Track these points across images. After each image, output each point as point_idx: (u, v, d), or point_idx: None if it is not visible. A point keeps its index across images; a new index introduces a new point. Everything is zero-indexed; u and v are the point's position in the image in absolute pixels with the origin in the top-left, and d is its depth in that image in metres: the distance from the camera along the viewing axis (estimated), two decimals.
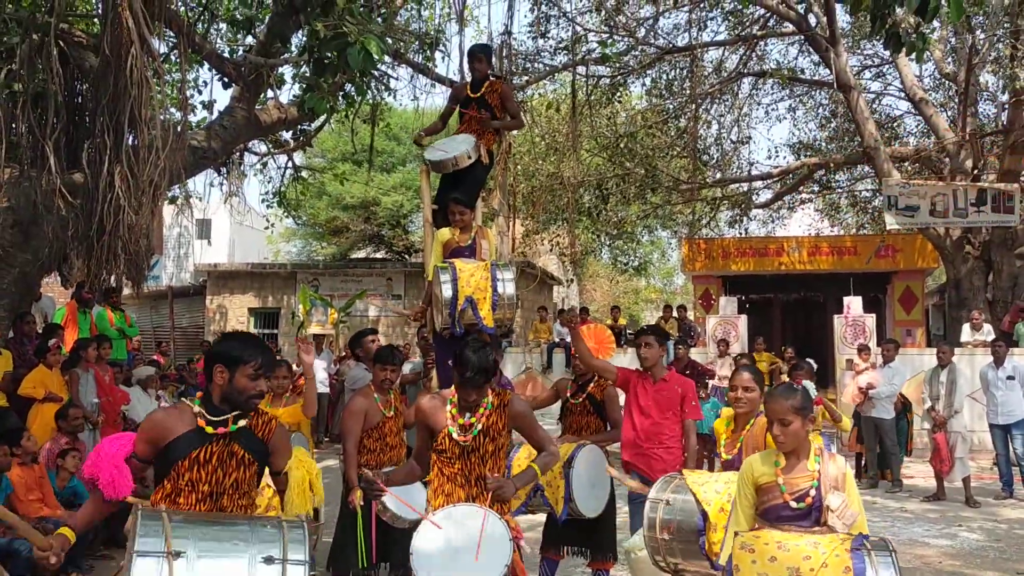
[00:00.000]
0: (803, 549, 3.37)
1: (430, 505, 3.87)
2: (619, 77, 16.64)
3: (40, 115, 7.54)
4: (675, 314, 18.02)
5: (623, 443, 5.57)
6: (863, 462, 10.75)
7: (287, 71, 11.28)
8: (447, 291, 5.41)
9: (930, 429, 9.81)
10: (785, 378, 10.20)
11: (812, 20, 15.96)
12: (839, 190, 22.22)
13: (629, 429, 5.52)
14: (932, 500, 9.52)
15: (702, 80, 17.57)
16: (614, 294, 37.81)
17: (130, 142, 7.34)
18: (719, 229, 22.94)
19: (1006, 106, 15.78)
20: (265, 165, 14.56)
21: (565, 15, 15.41)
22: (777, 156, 30.64)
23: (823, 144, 20.95)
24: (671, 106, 18.41)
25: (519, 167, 17.69)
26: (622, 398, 5.74)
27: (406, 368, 9.82)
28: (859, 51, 18.89)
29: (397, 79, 23.08)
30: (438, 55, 11.66)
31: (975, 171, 15.39)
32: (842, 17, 16.30)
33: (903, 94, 17.84)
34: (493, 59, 7.70)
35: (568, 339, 12.07)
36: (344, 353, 13.75)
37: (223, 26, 11.38)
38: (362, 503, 4.99)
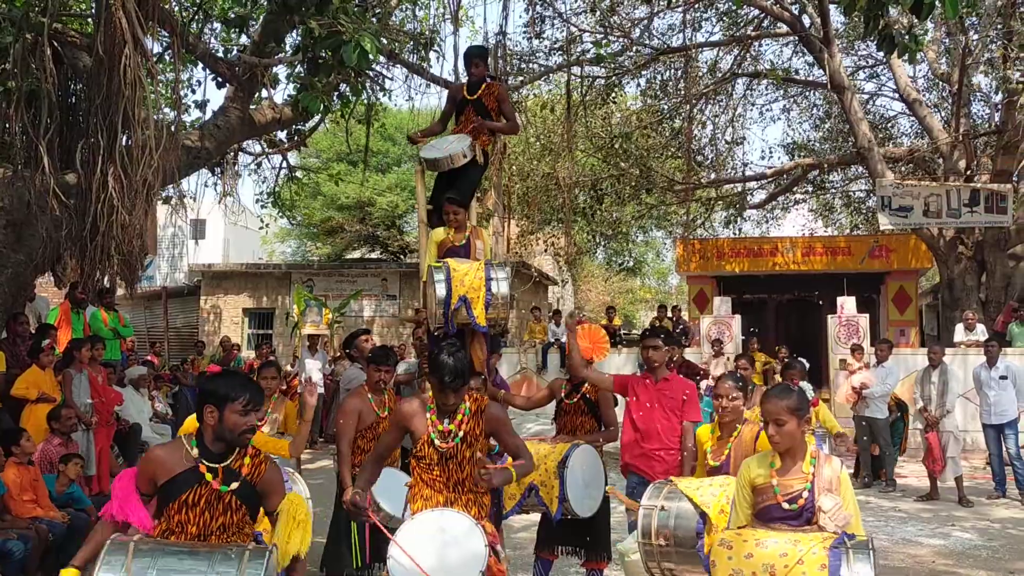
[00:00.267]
0: (781, 547, 3.41)
1: (408, 509, 3.90)
2: (614, 78, 16.65)
3: (33, 115, 7.52)
4: (669, 314, 18.06)
5: (623, 445, 5.56)
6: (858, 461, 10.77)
7: (281, 71, 11.30)
8: (441, 290, 5.41)
9: (922, 429, 9.85)
10: (779, 378, 10.23)
11: (806, 21, 15.99)
12: (833, 191, 22.29)
13: (630, 431, 5.51)
14: (925, 500, 9.54)
15: (697, 81, 17.60)
16: (609, 294, 37.83)
17: (124, 142, 7.33)
18: (713, 229, 23.00)
19: (999, 107, 15.82)
20: (259, 165, 14.54)
21: (560, 15, 15.42)
22: (771, 157, 30.84)
23: (817, 145, 21.00)
24: (666, 107, 18.43)
25: (514, 167, 17.70)
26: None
27: (401, 368, 9.83)
28: (853, 52, 18.94)
29: (392, 79, 23.12)
30: (433, 55, 11.63)
31: (968, 172, 15.44)
32: (836, 18, 16.33)
33: (897, 95, 17.88)
34: (489, 60, 7.71)
35: (563, 339, 12.02)
36: (339, 353, 13.74)
37: (217, 25, 11.36)
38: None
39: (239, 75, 9.14)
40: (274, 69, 10.39)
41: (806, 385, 8.07)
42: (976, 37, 15.09)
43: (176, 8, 8.94)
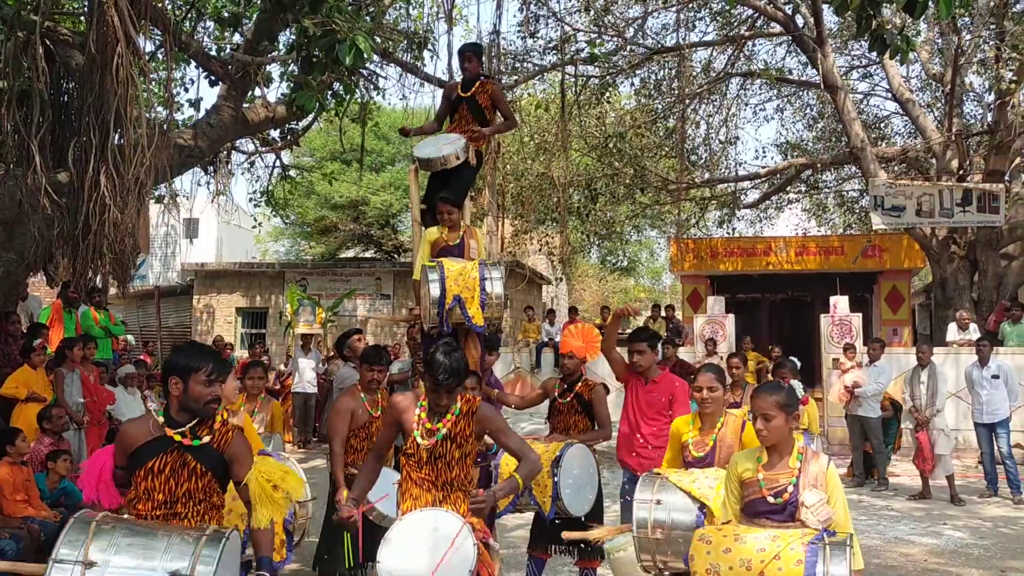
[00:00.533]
0: (759, 542, 3.45)
1: (399, 508, 3.90)
2: (608, 77, 16.66)
3: (25, 113, 7.49)
4: (663, 313, 18.07)
5: (619, 441, 5.65)
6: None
7: (274, 69, 11.25)
8: (435, 290, 5.40)
9: (913, 428, 9.88)
10: (771, 377, 10.23)
11: (799, 21, 16.02)
12: (826, 190, 22.33)
13: (625, 427, 5.62)
14: (918, 499, 9.57)
15: (690, 80, 17.60)
16: (603, 294, 37.87)
17: (116, 141, 7.30)
18: (707, 229, 23.02)
19: (991, 107, 15.88)
20: (253, 164, 14.49)
21: (554, 15, 15.43)
22: (765, 156, 30.77)
23: (810, 144, 21.04)
24: (660, 106, 18.45)
25: (508, 167, 17.70)
26: (610, 398, 5.79)
27: (394, 368, 9.83)
28: (846, 52, 18.98)
29: (386, 78, 23.07)
30: (427, 54, 11.62)
31: (961, 171, 15.48)
32: (829, 18, 16.37)
33: (890, 95, 17.92)
34: (483, 59, 7.70)
35: (556, 338, 12.02)
36: (332, 353, 13.72)
37: (210, 24, 11.32)
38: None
39: (232, 73, 9.11)
40: (267, 67, 10.37)
41: (796, 384, 8.08)
42: (969, 37, 15.14)
43: (169, 6, 8.90)
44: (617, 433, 5.71)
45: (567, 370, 5.79)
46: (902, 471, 10.88)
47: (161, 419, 3.41)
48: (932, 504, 9.35)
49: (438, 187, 6.28)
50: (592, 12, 15.59)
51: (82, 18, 8.98)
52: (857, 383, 10.25)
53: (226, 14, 9.93)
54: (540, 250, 22.94)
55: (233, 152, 13.26)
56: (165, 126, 7.96)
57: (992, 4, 14.04)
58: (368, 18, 8.75)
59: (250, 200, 15.58)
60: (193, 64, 10.44)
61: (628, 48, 16.43)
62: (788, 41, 17.37)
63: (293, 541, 5.39)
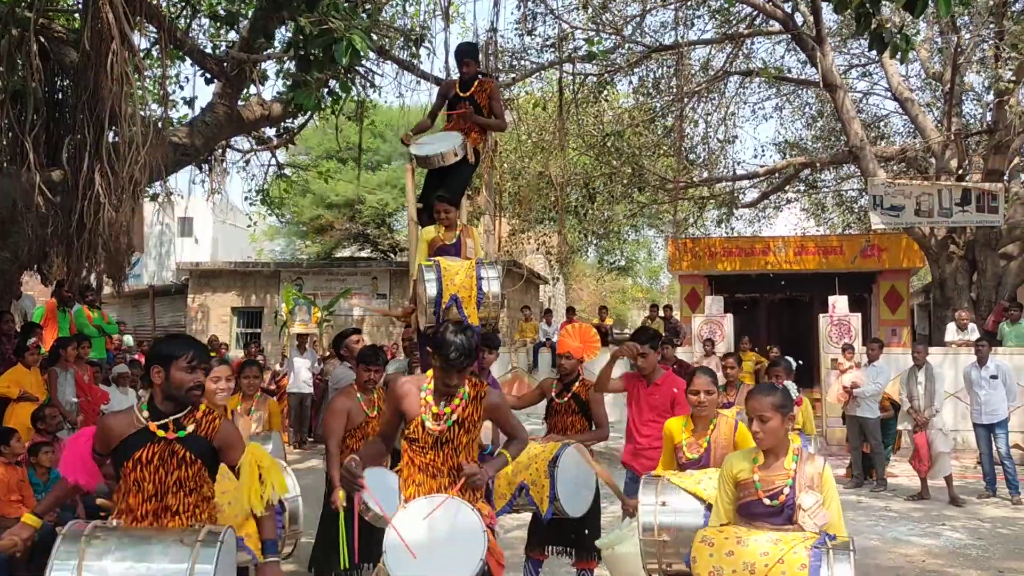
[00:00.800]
0: (762, 545, 3.43)
1: (401, 495, 3.81)
2: (606, 75, 16.62)
3: (19, 111, 7.48)
4: (661, 313, 18.05)
5: (627, 443, 5.68)
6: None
7: (270, 67, 11.21)
8: (432, 289, 5.37)
9: (910, 429, 9.85)
10: (767, 377, 10.21)
11: (799, 19, 16.00)
12: (825, 189, 22.32)
13: (631, 429, 5.65)
14: (916, 499, 9.55)
15: (689, 79, 17.57)
16: (600, 293, 37.88)
17: (110, 138, 7.29)
18: (705, 228, 23.00)
19: (991, 106, 15.87)
20: (248, 162, 14.46)
21: (552, 12, 15.37)
22: (763, 155, 30.82)
23: (809, 143, 21.03)
24: (658, 104, 18.40)
25: (505, 165, 17.66)
26: (608, 398, 5.79)
27: (390, 368, 9.78)
28: (846, 50, 18.96)
29: (382, 76, 23.03)
30: (423, 52, 11.60)
31: (960, 171, 15.46)
32: (829, 16, 16.34)
33: (889, 94, 17.91)
34: (480, 57, 7.67)
35: (553, 338, 11.94)
36: (328, 352, 13.67)
37: (205, 21, 11.28)
38: (345, 504, 4.95)
39: (227, 71, 9.07)
40: (262, 65, 10.33)
41: (790, 384, 8.07)
42: (968, 36, 15.13)
43: (163, 3, 8.87)
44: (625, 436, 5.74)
45: (564, 370, 5.78)
46: (900, 472, 10.86)
47: (145, 412, 3.40)
48: (931, 505, 9.34)
49: (435, 186, 6.25)
50: (590, 9, 15.54)
51: (76, 15, 8.94)
52: (856, 383, 10.23)
53: (221, 11, 9.89)
54: (537, 249, 22.91)
55: (228, 150, 13.23)
56: (160, 124, 7.92)
57: (992, 3, 14.02)
58: (365, 16, 8.70)
59: (245, 199, 15.58)
60: (188, 61, 10.40)
61: (626, 46, 16.38)
62: (787, 39, 17.34)
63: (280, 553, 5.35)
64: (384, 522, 4.78)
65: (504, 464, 3.90)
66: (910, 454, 9.99)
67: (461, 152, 6.16)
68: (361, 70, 10.89)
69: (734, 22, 17.37)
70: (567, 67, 15.27)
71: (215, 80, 9.36)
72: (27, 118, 7.29)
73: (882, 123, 20.88)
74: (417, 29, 11.96)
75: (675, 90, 17.61)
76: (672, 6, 16.17)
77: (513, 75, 15.41)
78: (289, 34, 7.77)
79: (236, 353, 17.75)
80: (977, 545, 7.65)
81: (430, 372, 3.80)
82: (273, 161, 14.24)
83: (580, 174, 19.40)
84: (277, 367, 15.11)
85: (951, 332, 13.15)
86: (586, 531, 5.41)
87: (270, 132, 12.82)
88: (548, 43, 15.79)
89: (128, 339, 14.86)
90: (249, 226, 18.00)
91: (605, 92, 17.32)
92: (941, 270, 15.73)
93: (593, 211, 19.75)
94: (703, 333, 14.67)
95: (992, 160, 15.18)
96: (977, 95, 17.63)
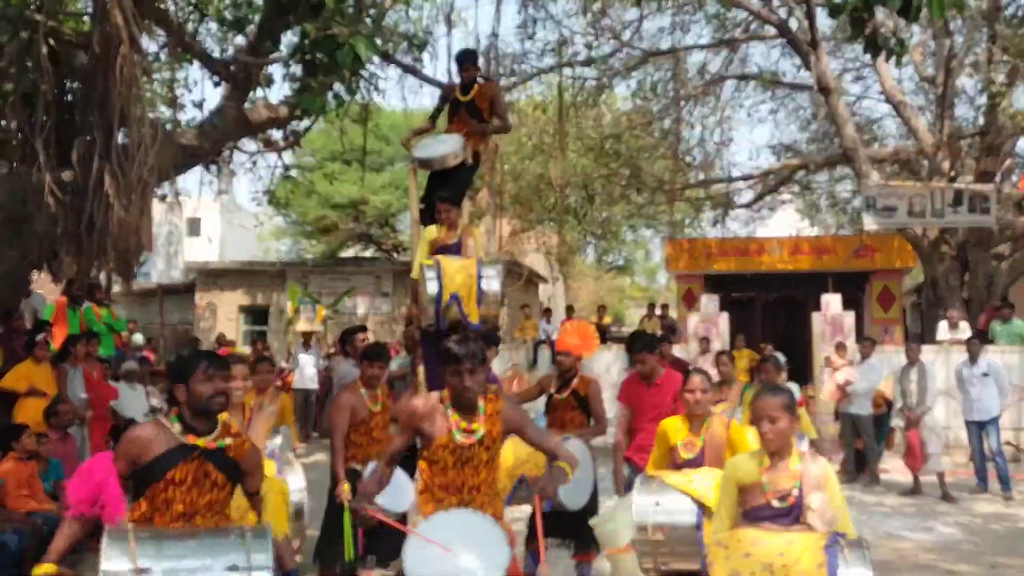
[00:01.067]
0: (778, 546, 3.44)
1: (419, 511, 3.82)
2: (604, 79, 16.77)
3: (30, 113, 7.58)
4: (658, 312, 18.19)
5: (630, 439, 5.78)
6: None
7: (277, 70, 11.32)
8: (432, 287, 5.48)
9: (903, 427, 9.97)
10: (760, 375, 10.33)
11: (793, 24, 16.13)
12: (819, 191, 22.44)
13: (633, 428, 5.76)
14: (909, 495, 9.64)
15: (685, 83, 17.72)
16: (599, 292, 37.98)
17: (120, 140, 7.40)
18: (701, 229, 23.12)
19: (983, 109, 15.99)
20: (255, 164, 14.58)
21: (552, 18, 15.52)
22: (758, 157, 30.93)
23: (804, 146, 21.13)
24: (655, 108, 18.54)
25: (506, 167, 17.79)
26: (605, 393, 5.94)
27: (393, 365, 9.96)
28: (840, 54, 19.09)
29: (386, 79, 23.12)
30: (426, 56, 11.72)
31: (952, 173, 15.59)
32: (823, 21, 16.49)
33: (883, 97, 18.02)
34: (480, 61, 7.80)
35: (553, 336, 12.06)
36: (333, 349, 13.82)
37: (213, 25, 11.41)
38: (349, 498, 5.06)
39: (235, 74, 9.19)
40: (269, 69, 10.47)
41: (793, 385, 8.19)
42: (961, 40, 15.26)
43: (172, 7, 9.00)
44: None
45: (563, 367, 5.86)
46: (893, 467, 10.99)
47: (177, 425, 3.39)
48: (923, 500, 9.43)
49: (437, 187, 6.38)
50: (589, 15, 15.69)
51: (86, 18, 9.06)
52: (849, 380, 10.35)
53: (229, 16, 10.02)
54: (538, 249, 23.05)
55: (236, 152, 13.36)
56: (168, 126, 8.05)
57: (984, 7, 14.16)
58: (369, 21, 8.85)
59: (252, 199, 15.66)
60: (196, 65, 10.54)
61: (624, 51, 16.54)
62: (782, 44, 17.47)
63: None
64: (388, 516, 4.91)
65: (564, 477, 3.79)
66: (903, 451, 10.12)
67: (462, 155, 6.29)
68: (365, 74, 11.03)
69: (730, 27, 17.51)
70: (567, 71, 15.43)
71: (223, 83, 9.48)
72: (37, 119, 7.37)
73: (875, 126, 20.96)
74: (420, 34, 12.11)
75: (672, 94, 17.76)
76: (669, 12, 16.31)
77: (514, 79, 15.55)
78: (296, 39, 7.90)
79: (243, 350, 17.90)
80: (969, 540, 7.74)
81: (445, 392, 3.76)
82: (279, 163, 14.35)
83: (579, 176, 19.52)
84: (283, 364, 15.26)
85: (943, 331, 13.25)
86: (585, 524, 5.56)
87: (277, 134, 12.94)
88: (548, 48, 15.94)
89: (137, 337, 15.00)
90: (256, 226, 18.06)
91: (604, 96, 17.47)
92: (933, 270, 15.85)
93: (592, 212, 19.87)
94: (699, 332, 14.79)
95: (984, 162, 15.31)
96: (969, 98, 17.76)
